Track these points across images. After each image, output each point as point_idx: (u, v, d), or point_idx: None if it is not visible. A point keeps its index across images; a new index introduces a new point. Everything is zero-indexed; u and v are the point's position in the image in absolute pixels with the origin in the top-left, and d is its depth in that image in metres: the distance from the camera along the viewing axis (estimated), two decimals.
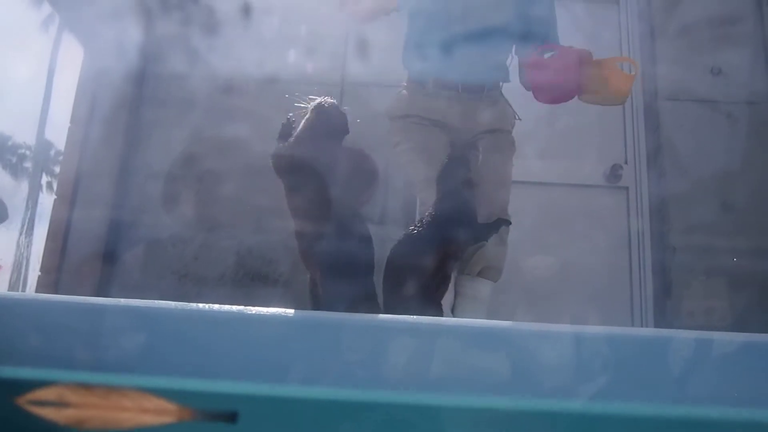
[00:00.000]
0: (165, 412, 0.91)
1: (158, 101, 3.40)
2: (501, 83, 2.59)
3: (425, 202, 2.38)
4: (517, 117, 2.61)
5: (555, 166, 3.47)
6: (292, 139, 1.68)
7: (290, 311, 1.13)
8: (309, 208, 1.66)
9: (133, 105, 3.39)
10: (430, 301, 1.79)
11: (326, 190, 1.64)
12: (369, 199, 3.35)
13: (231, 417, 0.89)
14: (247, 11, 3.42)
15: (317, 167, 1.65)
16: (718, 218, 3.24)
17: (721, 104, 3.46)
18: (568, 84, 2.34)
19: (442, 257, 1.82)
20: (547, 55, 2.44)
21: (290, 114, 1.75)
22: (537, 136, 3.21)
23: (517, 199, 2.60)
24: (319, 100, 1.72)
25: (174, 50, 3.46)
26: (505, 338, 1.07)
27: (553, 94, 2.43)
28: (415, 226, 1.86)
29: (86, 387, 0.92)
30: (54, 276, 3.17)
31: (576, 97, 2.39)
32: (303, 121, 1.70)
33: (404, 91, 2.59)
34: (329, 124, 1.70)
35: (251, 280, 3.25)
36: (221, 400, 0.90)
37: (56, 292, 3.07)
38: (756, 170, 3.34)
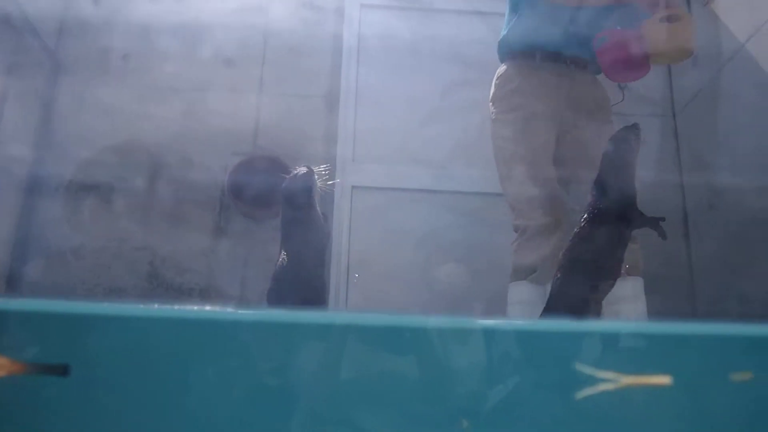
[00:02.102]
0: None
1: (66, 107, 3.36)
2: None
3: (512, 180, 2.45)
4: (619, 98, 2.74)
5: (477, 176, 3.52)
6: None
7: None
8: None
9: (42, 112, 3.33)
10: (598, 300, 1.82)
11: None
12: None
13: (63, 370, 0.88)
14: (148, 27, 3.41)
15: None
16: None
17: (628, 117, 3.59)
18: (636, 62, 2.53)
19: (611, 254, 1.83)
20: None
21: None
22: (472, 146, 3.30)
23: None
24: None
25: (85, 63, 3.44)
26: (422, 333, 1.08)
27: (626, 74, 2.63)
28: (585, 219, 1.83)
29: None
30: None
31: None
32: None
33: (506, 71, 2.60)
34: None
35: (165, 290, 3.19)
36: (53, 354, 0.89)
37: None
38: (661, 180, 3.47)
